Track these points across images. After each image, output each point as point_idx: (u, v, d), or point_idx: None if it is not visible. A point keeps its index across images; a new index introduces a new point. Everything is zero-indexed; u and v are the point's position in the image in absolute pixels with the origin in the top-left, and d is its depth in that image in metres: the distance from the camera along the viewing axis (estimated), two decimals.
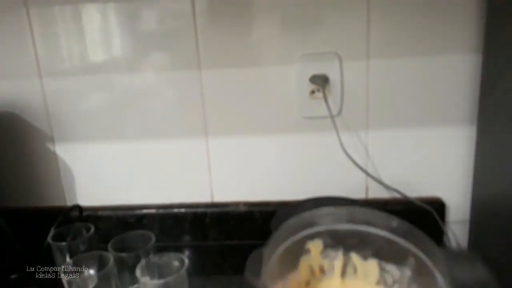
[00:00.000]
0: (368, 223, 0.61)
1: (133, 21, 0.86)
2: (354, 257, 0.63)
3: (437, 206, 0.88)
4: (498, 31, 0.73)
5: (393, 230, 0.60)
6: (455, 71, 0.83)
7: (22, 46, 0.89)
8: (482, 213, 0.81)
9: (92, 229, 0.84)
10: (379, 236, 0.60)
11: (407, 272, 0.59)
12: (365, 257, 0.63)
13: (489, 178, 0.78)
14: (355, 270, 0.64)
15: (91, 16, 0.87)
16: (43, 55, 0.90)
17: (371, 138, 0.89)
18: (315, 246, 0.63)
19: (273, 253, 0.56)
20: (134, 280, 0.73)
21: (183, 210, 0.94)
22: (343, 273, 0.64)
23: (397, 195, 0.89)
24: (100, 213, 0.96)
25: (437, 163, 0.89)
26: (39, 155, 0.96)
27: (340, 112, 0.87)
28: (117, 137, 0.93)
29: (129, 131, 0.93)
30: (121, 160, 0.95)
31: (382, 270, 0.62)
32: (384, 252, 0.61)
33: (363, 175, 0.89)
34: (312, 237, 0.62)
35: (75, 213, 0.92)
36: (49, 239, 0.82)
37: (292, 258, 0.61)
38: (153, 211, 0.95)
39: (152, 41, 0.87)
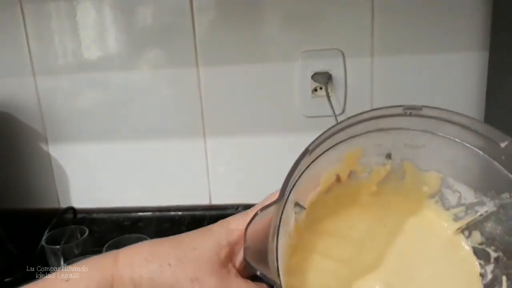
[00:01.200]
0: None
1: (128, 17, 0.86)
2: (407, 164, 0.46)
3: None
4: (504, 28, 0.72)
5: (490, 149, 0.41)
6: (461, 68, 0.83)
7: (15, 43, 0.89)
8: None
9: (87, 232, 0.84)
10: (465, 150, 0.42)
11: (490, 205, 0.43)
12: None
13: None
14: (402, 178, 0.47)
15: (86, 12, 0.87)
16: (37, 53, 0.89)
17: None
18: (351, 155, 0.45)
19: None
20: None
21: (180, 213, 0.93)
22: (384, 180, 0.47)
23: None
24: (94, 215, 0.95)
25: None
26: (32, 155, 0.95)
27: (343, 111, 0.86)
28: (113, 137, 0.93)
29: (125, 131, 0.92)
30: (117, 161, 0.94)
31: (446, 187, 0.46)
32: (463, 170, 0.45)
33: None
34: (351, 144, 0.43)
35: (69, 216, 0.92)
36: (43, 242, 0.82)
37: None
38: (149, 213, 0.94)
39: (148, 37, 0.87)
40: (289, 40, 0.84)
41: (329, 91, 0.83)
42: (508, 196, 0.41)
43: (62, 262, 0.79)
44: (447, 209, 0.46)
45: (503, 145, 0.40)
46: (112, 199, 0.96)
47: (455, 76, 0.83)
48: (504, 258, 0.42)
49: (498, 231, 0.43)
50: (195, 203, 0.94)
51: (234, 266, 0.42)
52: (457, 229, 0.45)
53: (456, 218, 0.45)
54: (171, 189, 0.94)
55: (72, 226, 0.86)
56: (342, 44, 0.83)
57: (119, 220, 0.94)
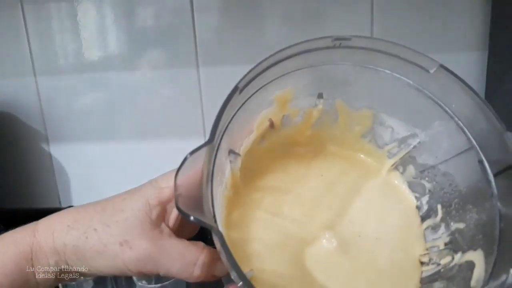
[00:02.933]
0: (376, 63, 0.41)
1: (129, 17, 0.85)
2: (340, 104, 0.44)
3: None
4: (504, 28, 0.72)
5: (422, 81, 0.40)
6: (460, 69, 0.79)
7: (16, 43, 0.88)
8: None
9: None
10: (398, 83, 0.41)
11: (422, 136, 0.43)
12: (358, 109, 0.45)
13: None
14: (335, 119, 0.45)
15: (87, 12, 0.86)
16: (38, 53, 0.89)
17: None
18: (281, 97, 0.42)
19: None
20: (131, 285, 0.72)
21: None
22: (317, 123, 0.45)
23: None
24: None
25: None
26: (33, 155, 0.94)
27: None
28: (113, 137, 0.92)
29: (126, 131, 0.91)
30: (117, 161, 0.93)
31: (379, 124, 0.44)
32: (395, 104, 0.43)
33: None
34: (280, 86, 0.41)
35: None
36: None
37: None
38: None
39: (148, 37, 0.86)
40: (290, 40, 0.82)
41: None
42: (439, 124, 0.41)
43: None
44: (381, 147, 0.45)
45: (432, 71, 0.39)
46: None
47: None
48: (438, 187, 0.42)
49: (431, 162, 0.43)
50: None
51: (167, 226, 0.39)
52: (392, 166, 0.45)
53: (390, 155, 0.45)
54: None
55: None
56: None
57: None
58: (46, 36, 0.87)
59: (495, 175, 0.36)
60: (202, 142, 0.90)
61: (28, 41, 0.88)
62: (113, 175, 0.94)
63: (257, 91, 0.38)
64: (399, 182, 0.45)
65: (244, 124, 0.41)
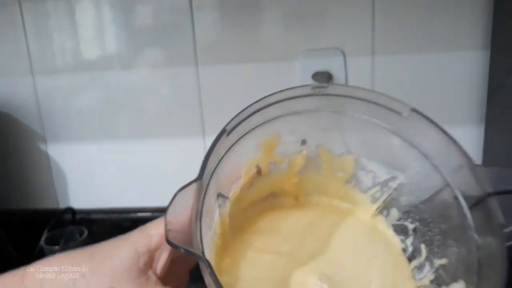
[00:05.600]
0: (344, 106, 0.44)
1: (127, 16, 0.85)
2: (322, 150, 0.47)
3: None
4: (506, 27, 0.72)
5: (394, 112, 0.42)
6: (463, 68, 0.82)
7: (14, 42, 0.88)
8: None
9: (86, 232, 0.83)
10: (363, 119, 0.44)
11: (401, 177, 0.45)
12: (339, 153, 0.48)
13: None
14: (319, 166, 0.48)
15: (85, 11, 0.86)
16: (36, 52, 0.88)
17: None
18: (267, 143, 0.45)
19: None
20: None
21: None
22: (303, 169, 0.48)
23: None
24: (93, 216, 0.94)
25: None
26: (30, 155, 0.94)
27: None
28: (112, 137, 0.92)
29: (124, 131, 0.91)
30: (116, 161, 0.93)
31: (361, 168, 0.47)
32: (374, 148, 0.46)
33: None
34: (266, 131, 0.44)
35: (68, 216, 0.91)
36: (41, 242, 0.81)
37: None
38: (148, 214, 0.93)
39: (147, 36, 0.86)
40: (290, 39, 0.84)
41: None
42: (416, 165, 0.43)
43: None
44: (365, 191, 0.47)
45: (404, 114, 0.42)
46: (111, 200, 0.95)
47: (457, 75, 0.82)
48: (421, 227, 0.44)
49: (412, 202, 0.45)
50: None
51: (154, 273, 0.41)
52: (376, 210, 0.47)
53: (374, 199, 0.47)
54: (171, 189, 0.92)
55: (71, 226, 0.86)
56: (343, 43, 0.82)
57: (118, 220, 0.94)
58: (44, 35, 0.87)
59: (470, 208, 0.38)
60: (201, 141, 0.92)
61: (26, 40, 0.88)
62: (111, 175, 0.94)
63: (244, 135, 0.41)
64: (384, 227, 0.47)
65: (232, 167, 0.42)
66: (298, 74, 0.84)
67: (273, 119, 0.43)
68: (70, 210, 0.91)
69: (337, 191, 0.48)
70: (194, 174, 0.94)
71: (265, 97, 0.41)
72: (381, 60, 0.82)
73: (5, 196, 0.96)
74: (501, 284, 0.33)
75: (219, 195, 0.41)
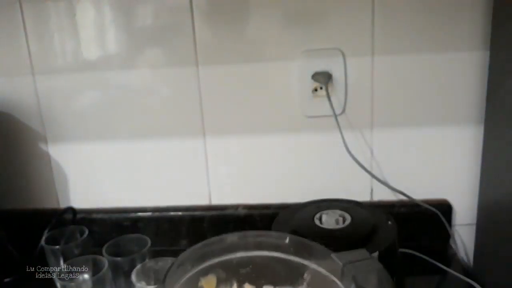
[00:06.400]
0: (258, 247, 0.59)
1: (128, 16, 0.85)
2: None
3: (444, 209, 0.87)
4: (505, 27, 0.72)
5: (284, 249, 0.58)
6: (462, 68, 0.82)
7: (14, 43, 0.88)
8: (489, 216, 0.79)
9: (86, 232, 0.83)
10: (271, 258, 0.58)
11: None
12: (259, 286, 0.60)
13: (496, 180, 0.76)
14: None
15: (85, 11, 0.86)
16: (36, 52, 0.88)
17: (376, 138, 0.87)
18: (208, 283, 0.58)
19: None
20: (130, 285, 0.71)
21: (180, 213, 0.92)
22: None
23: (402, 197, 0.88)
24: (94, 216, 0.94)
25: (443, 164, 0.87)
26: (31, 155, 0.94)
27: (343, 111, 0.86)
28: (112, 137, 0.92)
29: (124, 131, 0.91)
30: (116, 161, 0.93)
31: None
32: (279, 275, 0.59)
33: (367, 176, 0.87)
34: (204, 272, 0.58)
35: (69, 216, 0.91)
36: (42, 242, 0.81)
37: None
38: (148, 214, 0.93)
39: (147, 36, 0.86)
40: (289, 40, 0.84)
41: (329, 91, 0.83)
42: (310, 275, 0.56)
43: (61, 262, 0.78)
44: None
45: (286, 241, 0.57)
46: (112, 199, 0.95)
47: (456, 76, 0.82)
48: None
49: None
50: (194, 203, 0.93)
51: None
52: None
53: None
54: (171, 189, 0.94)
55: (72, 226, 0.85)
56: (343, 43, 0.82)
57: (119, 220, 0.94)
58: (45, 35, 0.87)
59: None
60: (201, 141, 0.92)
61: (27, 40, 0.88)
62: (111, 175, 0.94)
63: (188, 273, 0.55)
64: None
65: None
66: (298, 74, 0.84)
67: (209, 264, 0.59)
68: (71, 210, 0.91)
69: None
70: (194, 174, 0.95)
71: (201, 244, 0.58)
72: (380, 60, 0.83)
73: (6, 196, 0.96)
74: None
75: None
